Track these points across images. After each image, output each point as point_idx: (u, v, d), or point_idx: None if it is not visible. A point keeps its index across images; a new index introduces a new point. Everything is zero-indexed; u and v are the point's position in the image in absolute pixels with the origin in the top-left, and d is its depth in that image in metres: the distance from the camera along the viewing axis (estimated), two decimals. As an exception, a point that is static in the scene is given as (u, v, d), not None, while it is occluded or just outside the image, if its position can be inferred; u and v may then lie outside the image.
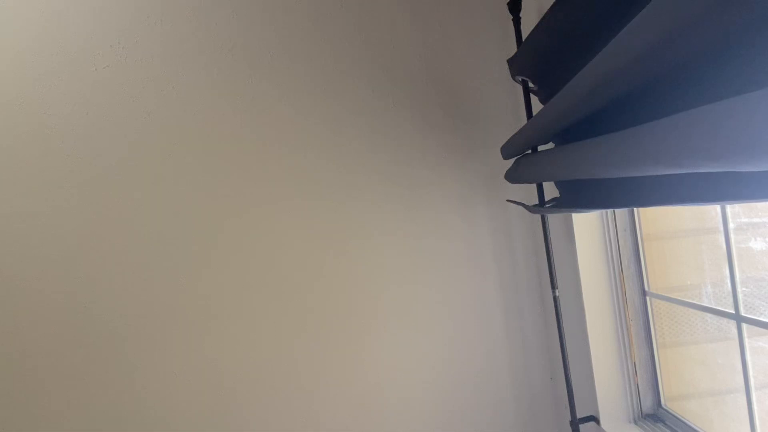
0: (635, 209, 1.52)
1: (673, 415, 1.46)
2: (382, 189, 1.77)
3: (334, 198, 1.74)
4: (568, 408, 1.56)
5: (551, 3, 1.17)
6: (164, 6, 1.65)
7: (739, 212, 1.13)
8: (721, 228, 1.16)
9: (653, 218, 1.48)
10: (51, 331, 1.60)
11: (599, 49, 0.85)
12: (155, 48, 1.65)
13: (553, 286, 1.55)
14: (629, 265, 1.53)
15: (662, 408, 1.52)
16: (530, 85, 1.48)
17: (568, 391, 1.53)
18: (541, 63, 1.30)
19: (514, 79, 1.54)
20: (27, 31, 1.58)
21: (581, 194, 1.27)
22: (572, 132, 1.18)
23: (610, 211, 1.54)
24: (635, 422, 1.54)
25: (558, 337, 1.55)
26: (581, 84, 0.87)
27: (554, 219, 1.66)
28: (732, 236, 1.14)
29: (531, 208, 1.50)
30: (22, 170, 1.59)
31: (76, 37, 1.61)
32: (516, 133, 1.38)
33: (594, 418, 1.57)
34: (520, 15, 1.54)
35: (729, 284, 1.16)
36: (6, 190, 1.58)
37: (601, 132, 0.97)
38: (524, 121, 1.73)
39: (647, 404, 1.54)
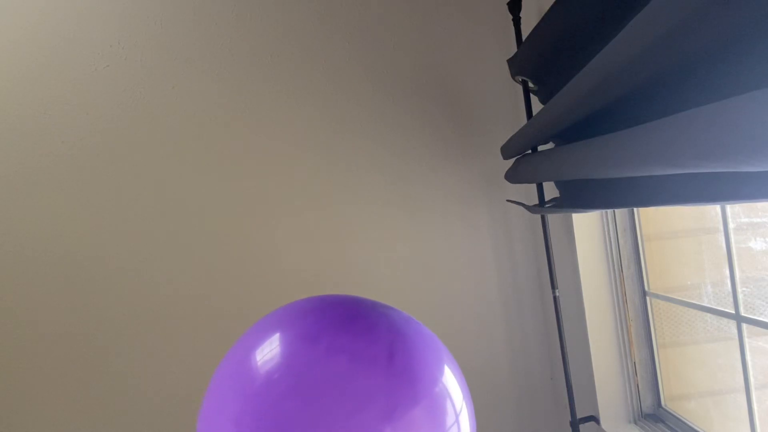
0: (635, 209, 1.52)
1: (673, 415, 1.46)
2: (382, 189, 1.77)
3: (334, 197, 1.74)
4: (568, 408, 1.56)
5: (551, 3, 1.17)
6: (164, 6, 1.65)
7: (739, 212, 1.13)
8: (721, 228, 1.16)
9: (653, 218, 1.48)
10: (50, 330, 1.60)
11: (599, 48, 0.85)
12: (155, 48, 1.65)
13: (553, 286, 1.55)
14: (629, 265, 1.53)
15: (662, 408, 1.52)
16: (530, 85, 1.48)
17: (568, 391, 1.53)
18: (541, 63, 1.30)
19: (514, 79, 1.54)
20: (26, 31, 1.58)
21: (581, 194, 1.27)
22: (572, 132, 1.18)
23: (610, 211, 1.54)
24: (635, 422, 1.54)
25: (558, 337, 1.55)
26: (581, 84, 0.87)
27: (554, 219, 1.66)
28: (732, 236, 1.14)
29: (531, 208, 1.50)
30: (22, 170, 1.59)
31: (76, 37, 1.61)
32: (516, 133, 1.38)
33: (594, 418, 1.57)
34: (520, 15, 1.54)
35: (729, 284, 1.16)
36: (6, 191, 1.58)
37: (601, 132, 0.97)
38: (524, 121, 1.73)
39: (647, 404, 1.54)
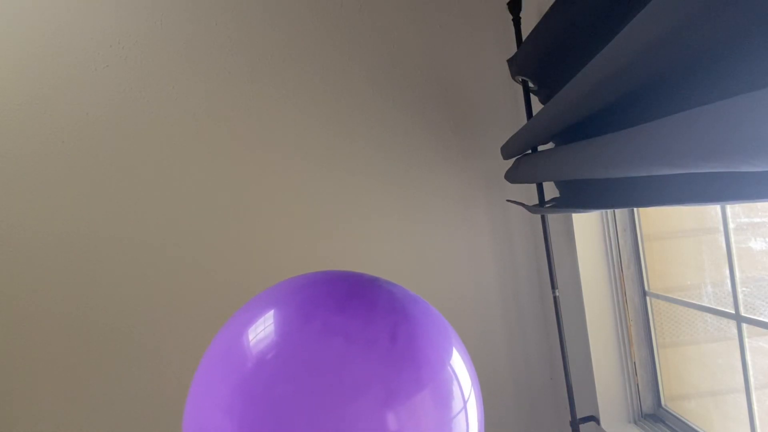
0: (635, 209, 1.52)
1: (673, 415, 1.46)
2: (382, 189, 1.77)
3: (335, 198, 1.74)
4: (568, 408, 1.56)
5: (551, 3, 1.17)
6: (164, 6, 1.65)
7: (739, 212, 1.13)
8: (721, 228, 1.16)
9: (653, 218, 1.48)
10: (50, 330, 1.60)
11: (599, 48, 0.85)
12: (155, 48, 1.65)
13: (553, 286, 1.55)
14: (629, 265, 1.53)
15: (662, 408, 1.52)
16: (530, 85, 1.48)
17: (568, 391, 1.53)
18: (541, 63, 1.30)
19: (514, 79, 1.54)
20: (27, 32, 1.58)
21: (581, 194, 1.27)
22: (572, 132, 1.18)
23: (610, 211, 1.54)
24: (635, 422, 1.54)
25: (558, 337, 1.55)
26: (581, 84, 0.87)
27: (554, 219, 1.66)
28: (732, 236, 1.14)
29: (531, 208, 1.50)
30: (22, 171, 1.59)
31: (76, 37, 1.61)
32: (516, 133, 1.38)
33: (594, 418, 1.57)
34: (520, 15, 1.54)
35: (729, 284, 1.16)
36: (6, 191, 1.58)
37: (602, 132, 0.97)
38: (524, 121, 1.73)
39: (647, 404, 1.54)
